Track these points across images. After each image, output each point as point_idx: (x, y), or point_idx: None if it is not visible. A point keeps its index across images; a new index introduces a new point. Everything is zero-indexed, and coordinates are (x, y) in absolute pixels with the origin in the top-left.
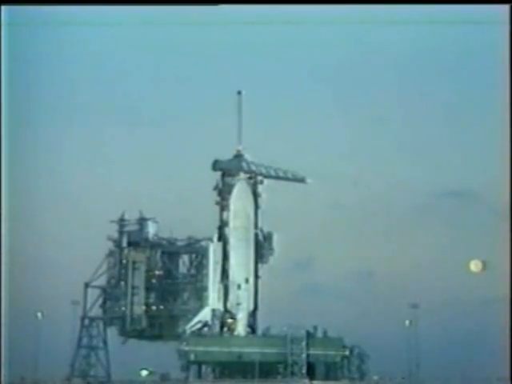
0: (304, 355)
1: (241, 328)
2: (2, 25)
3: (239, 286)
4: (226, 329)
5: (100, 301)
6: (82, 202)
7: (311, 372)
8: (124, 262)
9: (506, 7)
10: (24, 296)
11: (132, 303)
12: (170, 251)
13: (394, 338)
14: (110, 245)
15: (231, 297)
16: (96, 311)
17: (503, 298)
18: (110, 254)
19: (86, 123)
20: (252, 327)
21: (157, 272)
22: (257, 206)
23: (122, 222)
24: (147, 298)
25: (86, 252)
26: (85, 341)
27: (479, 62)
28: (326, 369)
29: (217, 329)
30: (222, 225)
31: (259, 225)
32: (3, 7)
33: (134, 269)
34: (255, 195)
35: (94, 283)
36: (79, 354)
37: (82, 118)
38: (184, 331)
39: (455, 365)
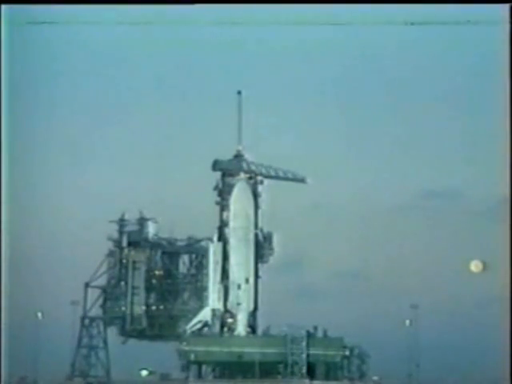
0: (304, 355)
1: (241, 328)
2: (2, 24)
3: (239, 286)
4: (226, 329)
5: (100, 301)
6: (82, 201)
7: (311, 372)
8: (124, 261)
9: (505, 7)
10: (24, 296)
11: (132, 303)
12: (170, 251)
13: (394, 338)
14: (110, 245)
15: (231, 297)
16: (96, 311)
17: (503, 298)
18: (110, 253)
19: (86, 123)
20: (252, 327)
21: (157, 272)
22: (257, 206)
23: (122, 221)
24: (147, 298)
25: (86, 252)
26: (85, 341)
27: (479, 62)
28: (326, 369)
29: (217, 329)
30: (222, 225)
31: (259, 225)
32: (3, 7)
33: (134, 269)
34: (255, 195)
35: (94, 283)
36: (79, 353)
37: (82, 117)
38: (184, 331)
39: (455, 365)
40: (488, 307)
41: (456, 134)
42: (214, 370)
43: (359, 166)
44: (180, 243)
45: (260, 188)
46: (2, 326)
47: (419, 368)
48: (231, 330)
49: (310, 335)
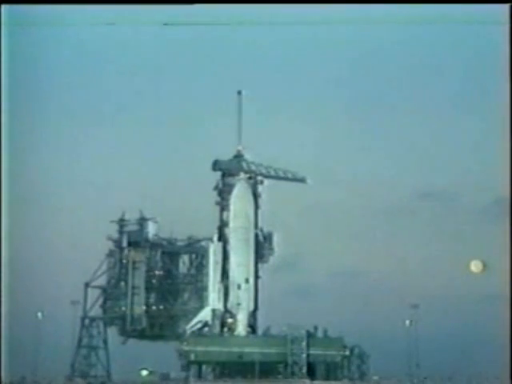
0: (304, 355)
1: (241, 328)
2: (2, 24)
3: (239, 286)
4: (226, 329)
5: (100, 301)
6: (82, 202)
7: (311, 372)
8: (124, 261)
9: (506, 7)
10: (24, 296)
11: (132, 303)
12: (170, 251)
13: (394, 338)
14: (110, 245)
15: (231, 297)
16: (96, 311)
17: (502, 297)
18: (110, 253)
19: (86, 123)
20: (252, 327)
21: (157, 272)
22: (257, 206)
23: (122, 222)
24: (147, 297)
25: (86, 252)
26: (85, 341)
27: (479, 62)
28: (326, 369)
29: (217, 329)
30: (222, 225)
31: (259, 225)
32: (3, 7)
33: (134, 269)
34: (255, 195)
35: (94, 283)
36: (79, 353)
37: (82, 117)
38: (184, 331)
39: (455, 364)
40: (488, 307)
41: (455, 134)
42: (214, 370)
43: (359, 166)
44: (180, 243)
45: (260, 188)
46: (2, 326)
47: (419, 368)
48: (231, 330)
49: (310, 335)
